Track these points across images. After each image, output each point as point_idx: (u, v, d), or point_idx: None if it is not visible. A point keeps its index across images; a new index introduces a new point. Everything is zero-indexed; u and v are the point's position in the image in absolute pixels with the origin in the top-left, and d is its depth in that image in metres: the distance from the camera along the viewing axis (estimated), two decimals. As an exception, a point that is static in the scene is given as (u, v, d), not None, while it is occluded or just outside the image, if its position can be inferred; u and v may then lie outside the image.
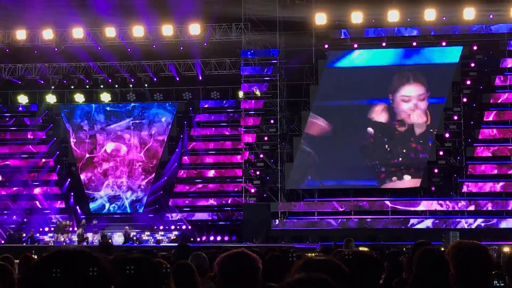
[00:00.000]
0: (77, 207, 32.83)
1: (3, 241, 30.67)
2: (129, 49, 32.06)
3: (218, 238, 29.24)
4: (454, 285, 3.46)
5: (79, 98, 33.63)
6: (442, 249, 4.10)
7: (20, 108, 34.63)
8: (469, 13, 29.08)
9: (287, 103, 31.34)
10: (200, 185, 32.43)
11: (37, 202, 32.85)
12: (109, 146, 33.24)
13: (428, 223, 28.17)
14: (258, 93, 30.74)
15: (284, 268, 6.63)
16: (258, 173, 30.44)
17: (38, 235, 29.95)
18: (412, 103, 29.22)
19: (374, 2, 30.28)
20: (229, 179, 32.40)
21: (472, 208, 28.41)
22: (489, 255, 3.50)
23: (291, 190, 29.97)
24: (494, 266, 3.62)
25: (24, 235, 29.56)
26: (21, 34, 31.92)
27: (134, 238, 29.14)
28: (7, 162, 33.79)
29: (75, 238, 28.97)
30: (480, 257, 3.45)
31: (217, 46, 32.13)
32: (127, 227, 29.74)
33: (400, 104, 29.36)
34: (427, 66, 29.33)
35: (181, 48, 31.75)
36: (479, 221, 27.90)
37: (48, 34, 31.74)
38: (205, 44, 31.60)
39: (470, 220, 28.00)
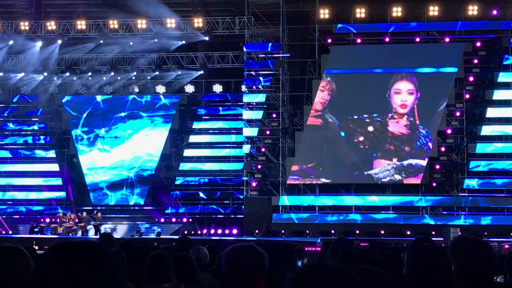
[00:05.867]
0: (79, 199, 32.90)
1: (4, 232, 30.79)
2: (131, 43, 32.08)
3: (219, 231, 29.28)
4: (456, 281, 3.46)
5: (82, 89, 33.61)
6: (443, 245, 4.10)
7: (22, 99, 34.56)
8: (473, 9, 29.05)
9: (289, 97, 31.31)
10: (201, 178, 32.44)
11: (38, 194, 32.89)
12: (111, 138, 33.23)
13: (428, 219, 28.22)
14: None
15: (285, 262, 6.63)
16: (259, 167, 30.46)
17: (39, 226, 29.97)
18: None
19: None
20: (230, 172, 32.40)
21: (473, 204, 28.43)
22: (492, 251, 3.50)
23: (292, 184, 30.00)
24: (497, 262, 3.62)
25: (38, 226, 29.63)
26: (24, 25, 31.95)
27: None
28: (8, 153, 33.81)
29: (69, 230, 29.00)
30: (483, 253, 3.44)
31: (220, 39, 32.12)
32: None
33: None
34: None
35: (184, 41, 31.73)
36: (480, 217, 27.94)
37: (51, 25, 31.77)
38: (208, 37, 31.58)
39: (471, 217, 28.04)
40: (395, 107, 29.27)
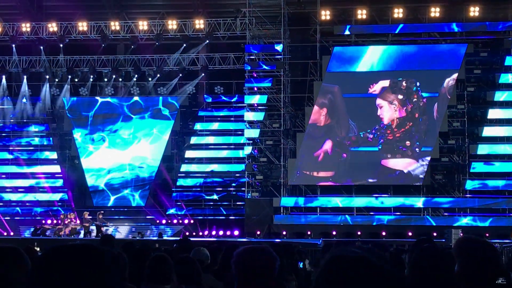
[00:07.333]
0: (80, 200, 32.90)
1: (5, 233, 30.82)
2: (133, 46, 32.13)
3: (221, 232, 29.27)
4: (459, 282, 3.45)
5: (83, 91, 33.64)
6: (444, 246, 4.10)
7: (25, 100, 34.58)
8: (474, 11, 29.06)
9: (291, 99, 31.30)
10: (202, 180, 32.44)
11: (39, 195, 32.90)
12: (112, 140, 33.23)
13: (430, 220, 28.19)
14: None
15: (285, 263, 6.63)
16: (261, 168, 30.46)
17: (42, 227, 29.99)
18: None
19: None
20: (231, 173, 32.40)
21: (474, 206, 28.41)
22: (496, 253, 3.50)
23: (294, 185, 30.00)
24: (500, 263, 3.62)
25: (41, 227, 29.68)
26: (25, 27, 32.03)
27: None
28: (10, 155, 33.84)
29: (71, 231, 29.01)
30: (487, 254, 3.44)
31: (221, 40, 32.12)
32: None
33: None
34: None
35: (185, 43, 31.76)
36: (481, 218, 27.91)
37: (52, 27, 31.83)
38: (209, 38, 31.59)
39: (472, 218, 28.01)
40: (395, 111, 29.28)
